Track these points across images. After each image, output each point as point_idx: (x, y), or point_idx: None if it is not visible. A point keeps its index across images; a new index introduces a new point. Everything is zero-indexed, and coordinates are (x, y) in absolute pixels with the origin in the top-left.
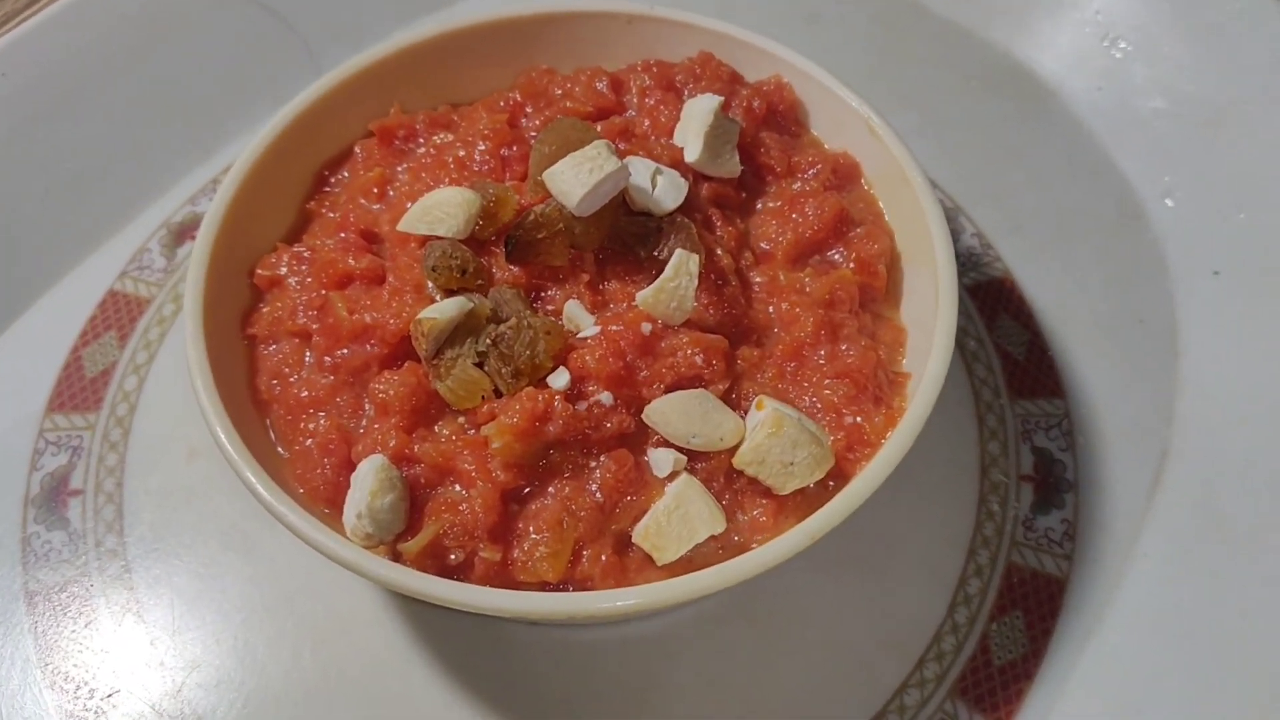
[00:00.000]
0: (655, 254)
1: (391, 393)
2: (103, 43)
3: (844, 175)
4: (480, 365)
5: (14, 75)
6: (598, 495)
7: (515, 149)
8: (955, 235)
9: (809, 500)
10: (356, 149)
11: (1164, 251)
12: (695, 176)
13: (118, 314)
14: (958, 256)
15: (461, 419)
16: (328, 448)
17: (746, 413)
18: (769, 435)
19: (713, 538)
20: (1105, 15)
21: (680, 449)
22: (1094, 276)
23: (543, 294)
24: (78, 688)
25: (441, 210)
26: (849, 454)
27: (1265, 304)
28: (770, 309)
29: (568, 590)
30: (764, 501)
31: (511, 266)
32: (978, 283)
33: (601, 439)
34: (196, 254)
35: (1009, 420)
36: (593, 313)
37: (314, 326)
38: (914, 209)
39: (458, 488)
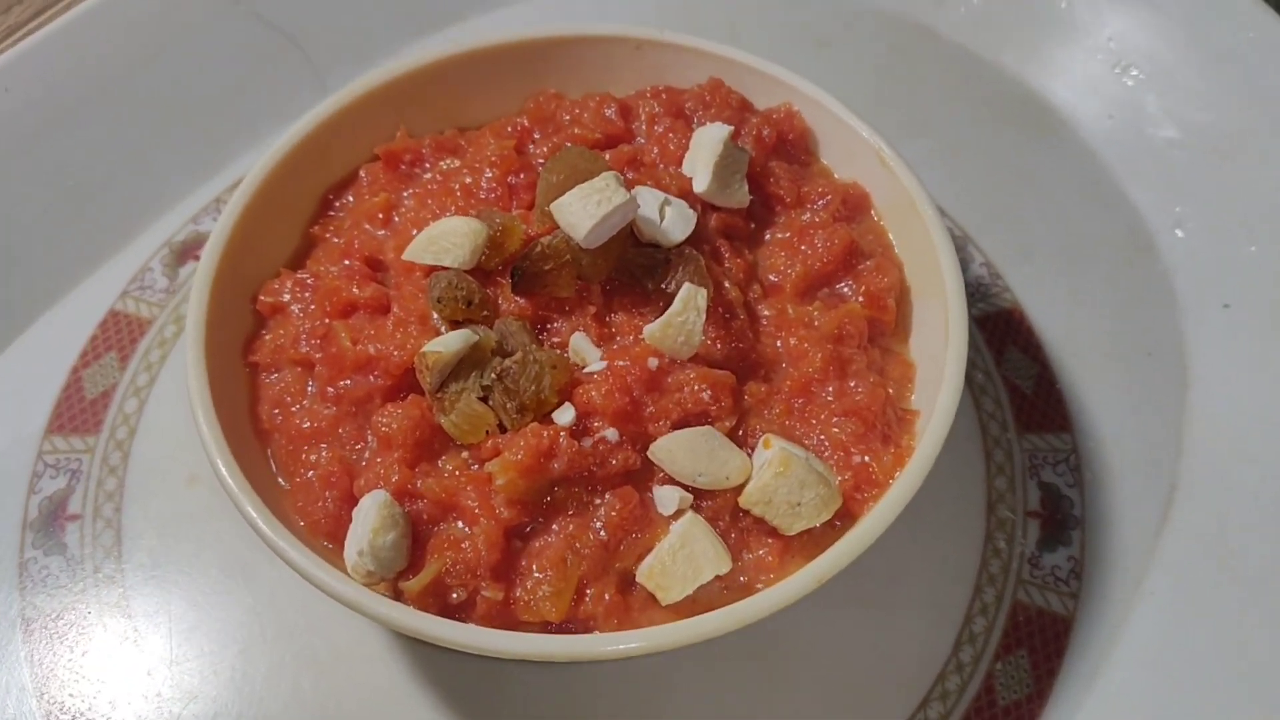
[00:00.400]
0: (663, 286)
1: (395, 426)
2: (105, 59)
3: (854, 206)
4: (485, 399)
5: (16, 91)
6: (602, 533)
7: (523, 176)
8: (964, 265)
9: (815, 540)
10: (362, 173)
11: (1174, 283)
12: (704, 206)
13: (119, 334)
14: (967, 287)
15: (465, 453)
16: (329, 480)
17: (753, 450)
18: (776, 475)
19: (718, 577)
20: (1118, 43)
21: (686, 487)
22: (1103, 308)
23: (549, 325)
24: (74, 718)
25: (447, 240)
26: (856, 494)
27: (1276, 338)
28: (778, 343)
29: (570, 629)
30: (770, 541)
31: (518, 298)
32: (986, 314)
33: (606, 476)
34: (199, 280)
35: (1016, 455)
36: (599, 345)
37: (317, 356)
38: (924, 242)
39: (460, 524)
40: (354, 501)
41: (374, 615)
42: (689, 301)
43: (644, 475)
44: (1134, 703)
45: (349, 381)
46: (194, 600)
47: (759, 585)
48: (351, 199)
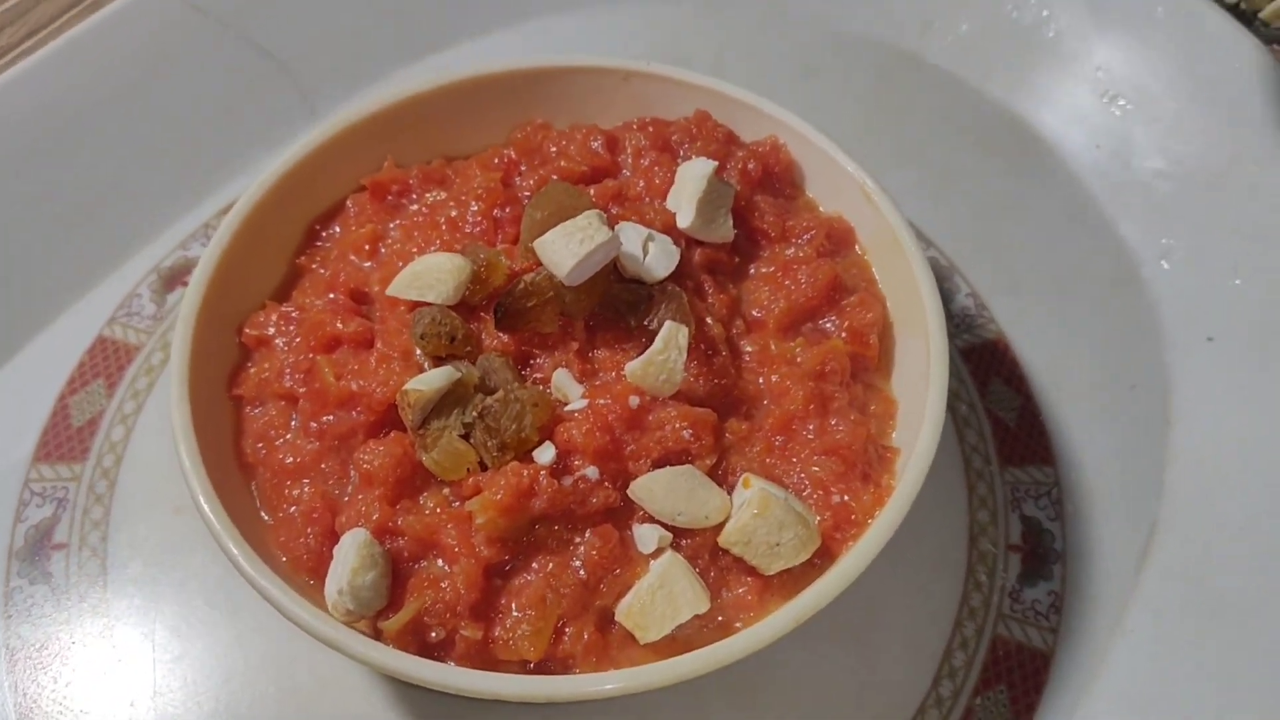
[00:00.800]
0: (645, 323)
1: (376, 463)
2: (94, 84)
3: (838, 240)
4: (466, 437)
5: (6, 115)
6: (581, 572)
7: (508, 210)
8: (950, 295)
9: (795, 579)
10: (349, 203)
11: (1158, 315)
12: (688, 241)
13: (106, 361)
14: (952, 317)
15: (447, 489)
16: (311, 516)
17: (733, 488)
18: (755, 515)
19: (697, 616)
20: (1105, 72)
21: (666, 525)
22: (1087, 339)
23: (531, 360)
24: None
25: (431, 276)
26: (836, 533)
27: (1258, 372)
28: (760, 380)
29: (549, 668)
30: (749, 580)
31: (501, 333)
32: (971, 345)
33: (586, 514)
34: (184, 314)
35: (998, 488)
36: (581, 381)
37: (300, 390)
38: (907, 278)
39: (440, 562)
40: (336, 537)
41: (353, 654)
42: (670, 340)
43: (624, 513)
44: None
45: (332, 417)
46: (179, 631)
47: (738, 624)
48: (338, 230)
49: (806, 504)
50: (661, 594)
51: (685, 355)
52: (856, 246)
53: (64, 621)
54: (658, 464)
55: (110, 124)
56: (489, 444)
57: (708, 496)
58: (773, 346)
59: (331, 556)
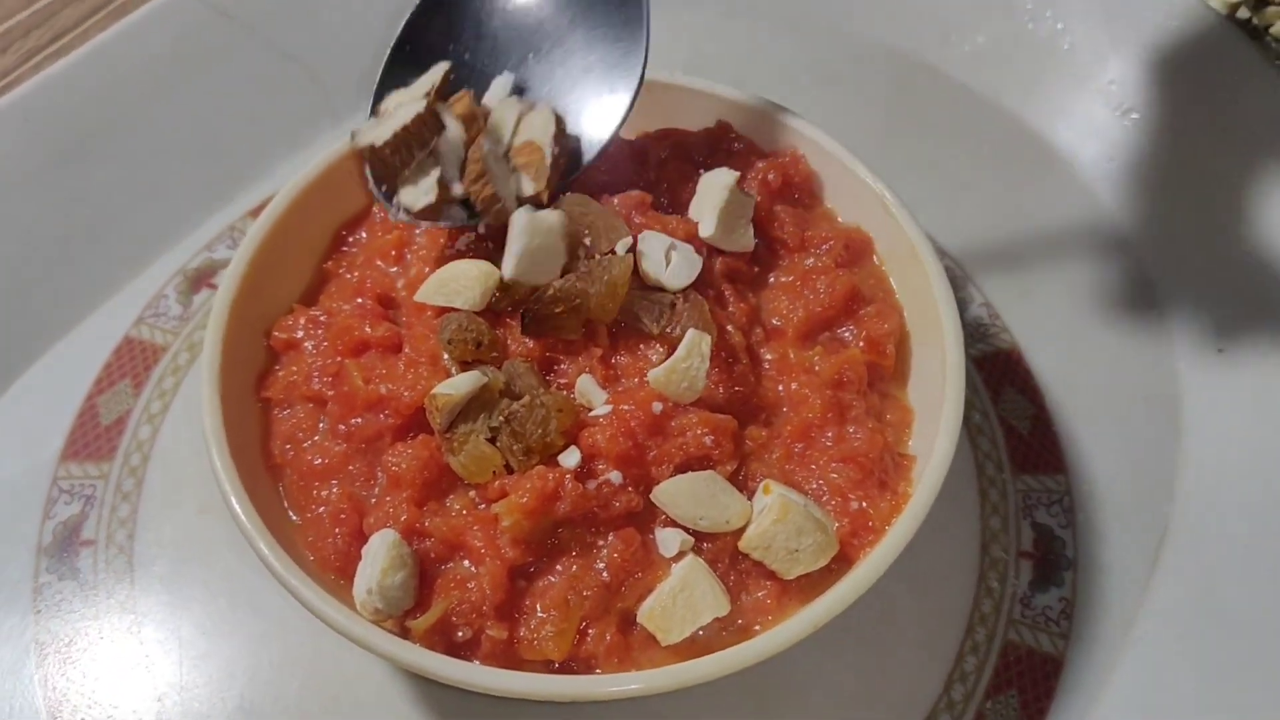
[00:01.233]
0: (667, 330)
1: (404, 466)
2: (121, 88)
3: (856, 251)
4: (493, 440)
5: (35, 119)
6: (604, 574)
7: None
8: (964, 305)
9: (813, 583)
10: (375, 209)
11: (1170, 326)
12: (709, 250)
13: (133, 361)
14: (966, 327)
15: (473, 492)
16: (339, 517)
17: (753, 494)
18: (775, 522)
19: (717, 619)
20: (1119, 85)
21: (687, 529)
22: (1099, 349)
23: (556, 366)
24: None
25: (458, 283)
26: (853, 540)
27: (1269, 383)
28: (780, 387)
29: (572, 668)
30: (768, 584)
31: (526, 339)
32: (985, 354)
33: (610, 518)
34: (214, 317)
35: (1010, 495)
36: (605, 387)
37: (329, 393)
38: (924, 289)
39: (467, 563)
40: (363, 538)
41: (382, 653)
42: (693, 347)
43: (646, 517)
44: None
45: (360, 420)
46: (204, 628)
47: (757, 627)
48: (364, 235)
49: (825, 510)
50: (683, 597)
51: (708, 362)
52: (874, 257)
53: (92, 617)
54: (679, 469)
55: (136, 128)
56: (514, 448)
57: (729, 501)
58: (791, 355)
59: (358, 557)
